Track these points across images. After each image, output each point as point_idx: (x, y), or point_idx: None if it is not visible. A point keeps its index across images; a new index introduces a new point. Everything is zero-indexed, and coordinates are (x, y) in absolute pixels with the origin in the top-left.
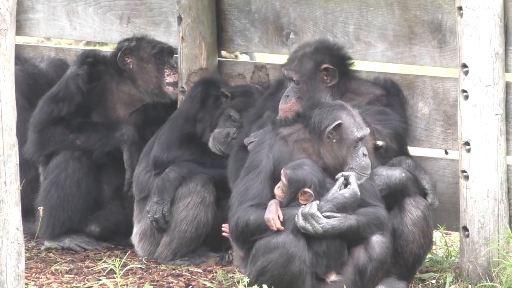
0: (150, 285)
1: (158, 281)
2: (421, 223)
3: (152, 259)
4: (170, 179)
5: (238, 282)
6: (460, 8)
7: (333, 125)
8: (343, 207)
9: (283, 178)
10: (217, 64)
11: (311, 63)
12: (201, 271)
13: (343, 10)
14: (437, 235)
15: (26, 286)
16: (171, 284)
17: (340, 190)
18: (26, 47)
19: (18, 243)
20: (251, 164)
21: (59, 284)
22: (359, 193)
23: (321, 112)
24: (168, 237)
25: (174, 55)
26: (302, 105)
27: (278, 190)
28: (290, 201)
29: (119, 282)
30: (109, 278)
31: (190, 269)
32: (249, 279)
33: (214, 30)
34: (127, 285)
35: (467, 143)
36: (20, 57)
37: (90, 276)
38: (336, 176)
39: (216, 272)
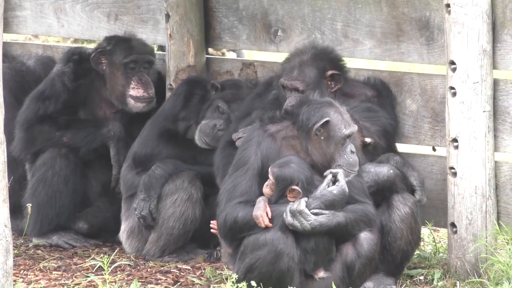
0: (139, 281)
1: (146, 277)
2: (409, 220)
3: (140, 256)
4: (156, 176)
5: (227, 279)
6: (448, 5)
7: (321, 122)
8: (331, 204)
9: (270, 176)
10: (205, 61)
11: (314, 71)
12: (189, 267)
13: (331, 7)
14: (425, 231)
15: (14, 283)
16: (159, 281)
17: (328, 187)
18: (14, 45)
19: (6, 240)
20: (239, 161)
21: (47, 281)
22: (347, 190)
23: (309, 109)
24: (156, 234)
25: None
26: None
27: (266, 188)
28: (279, 198)
29: (108, 279)
30: (97, 275)
31: (178, 265)
32: (237, 275)
33: (202, 28)
34: (115, 282)
35: (455, 140)
36: (8, 55)
37: (79, 273)
38: (324, 173)
39: (204, 269)
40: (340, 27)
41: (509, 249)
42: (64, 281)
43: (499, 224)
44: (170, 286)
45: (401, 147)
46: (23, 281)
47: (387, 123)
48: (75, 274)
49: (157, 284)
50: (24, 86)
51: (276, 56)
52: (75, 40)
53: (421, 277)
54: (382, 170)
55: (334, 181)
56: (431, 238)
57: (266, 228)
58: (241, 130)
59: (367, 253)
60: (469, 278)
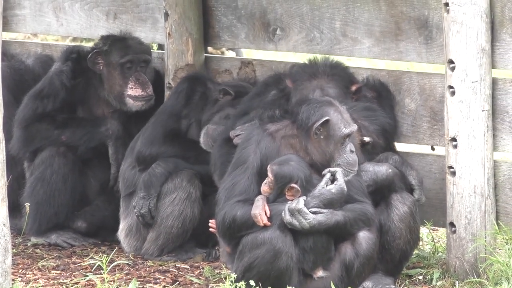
0: (137, 281)
1: (145, 277)
2: (408, 219)
3: (139, 255)
4: (156, 175)
5: (225, 278)
6: (446, 4)
7: (321, 121)
8: (330, 203)
9: (269, 173)
10: (204, 60)
11: (337, 91)
12: (188, 267)
13: (329, 6)
14: (424, 231)
15: (13, 282)
16: (158, 280)
17: (327, 186)
18: (13, 43)
19: (5, 239)
20: (238, 160)
21: (46, 280)
22: (346, 189)
23: (308, 108)
24: (155, 233)
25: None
26: None
27: (265, 186)
28: (277, 197)
29: (106, 278)
30: (96, 274)
31: (177, 265)
32: (236, 275)
33: (201, 26)
34: (114, 281)
35: (453, 139)
36: (7, 53)
37: (77, 272)
38: (323, 172)
39: (203, 268)
40: (339, 26)
41: (508, 249)
42: (63, 280)
43: (498, 224)
44: (168, 286)
45: (399, 146)
46: (21, 280)
47: (386, 122)
48: (74, 273)
49: (155, 283)
50: (23, 84)
51: (275, 55)
52: (74, 39)
53: (420, 277)
54: (381, 169)
55: (333, 180)
56: (430, 237)
57: (265, 227)
58: (238, 128)
59: (366, 252)
60: (468, 278)
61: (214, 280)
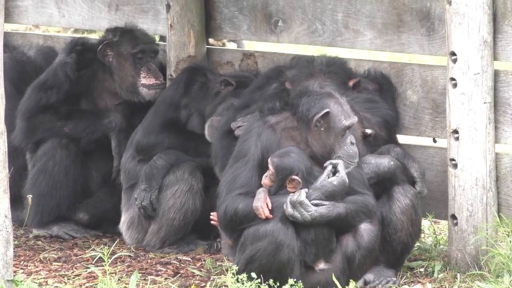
0: (139, 273)
1: (146, 269)
2: (409, 212)
3: (141, 247)
4: (157, 167)
5: (227, 270)
6: None
7: (321, 113)
8: (331, 195)
9: (270, 166)
10: (206, 51)
11: (335, 88)
12: (189, 259)
13: None
14: (425, 223)
15: (14, 274)
16: (159, 272)
17: (328, 178)
18: (15, 35)
19: (7, 231)
20: (239, 152)
21: (47, 272)
22: (347, 181)
23: (309, 100)
24: (156, 225)
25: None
26: None
27: (266, 179)
28: (278, 189)
29: (108, 270)
30: (97, 266)
31: (178, 257)
32: (237, 267)
33: (203, 18)
34: (115, 273)
35: (455, 131)
36: (9, 45)
37: (79, 264)
38: (325, 164)
39: (204, 260)
40: (341, 17)
41: (510, 242)
42: (64, 272)
43: (499, 216)
44: (170, 278)
45: (401, 139)
46: (23, 272)
47: (388, 114)
48: (75, 265)
49: (157, 275)
50: (25, 76)
51: (277, 46)
52: (76, 30)
53: (422, 269)
54: (383, 162)
55: (334, 172)
56: (432, 230)
57: (266, 219)
58: (239, 119)
59: (368, 245)
60: (469, 271)
61: (216, 272)
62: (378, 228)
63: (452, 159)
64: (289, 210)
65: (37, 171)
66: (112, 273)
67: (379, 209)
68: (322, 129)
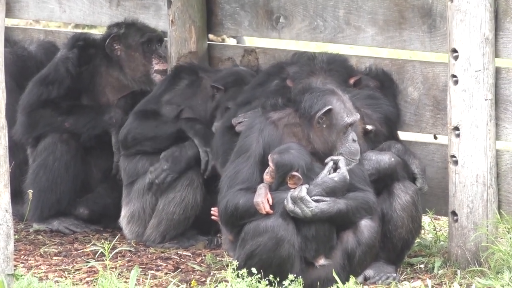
0: (139, 268)
1: (147, 264)
2: (410, 208)
3: (141, 242)
4: (187, 155)
5: (227, 266)
6: None
7: (323, 110)
8: (332, 191)
9: (270, 163)
10: (207, 47)
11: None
12: (189, 254)
13: None
14: (425, 219)
15: (15, 268)
16: (160, 267)
17: (329, 174)
18: (15, 30)
19: (7, 225)
20: (241, 148)
21: (48, 266)
22: (348, 177)
23: (311, 97)
24: (156, 219)
25: (164, 39)
26: None
27: (266, 176)
28: (279, 185)
29: (108, 264)
30: (98, 260)
31: (179, 252)
32: (238, 262)
33: (204, 14)
34: (116, 268)
35: (456, 128)
36: (10, 40)
37: (79, 259)
38: (326, 160)
39: (205, 256)
40: (342, 14)
41: (510, 238)
42: (65, 266)
43: (500, 213)
44: (170, 273)
45: (402, 135)
46: (23, 266)
47: (389, 111)
48: (76, 260)
49: (157, 270)
50: (26, 71)
51: (278, 43)
52: (76, 26)
53: (422, 266)
54: (384, 158)
55: (335, 168)
56: (432, 226)
57: (267, 215)
58: (241, 115)
59: (368, 241)
60: (469, 267)
61: (216, 267)
62: (379, 224)
63: (453, 156)
64: (289, 205)
65: (38, 166)
66: (112, 267)
67: (380, 206)
68: (324, 126)
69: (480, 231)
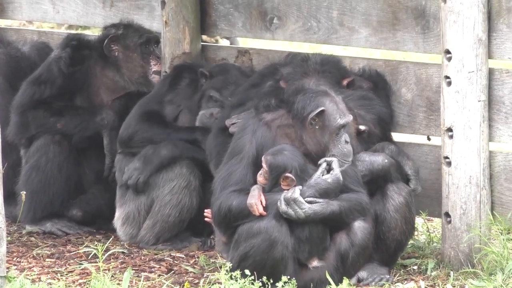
0: (132, 269)
1: (140, 265)
2: (403, 209)
3: (134, 244)
4: (160, 155)
5: (220, 267)
6: None
7: (316, 111)
8: (325, 193)
9: (263, 164)
10: (201, 48)
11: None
12: (183, 256)
13: None
14: (419, 221)
15: (7, 270)
16: (153, 269)
17: (322, 175)
18: (9, 30)
19: (0, 227)
20: (234, 149)
21: (40, 268)
22: (341, 179)
23: (304, 98)
24: (151, 221)
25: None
26: None
27: (260, 177)
28: (273, 187)
29: (101, 266)
30: (91, 262)
31: (172, 254)
32: (231, 264)
33: (198, 15)
34: (109, 270)
35: (449, 129)
36: (3, 40)
37: (72, 261)
38: (319, 162)
39: (198, 257)
40: (336, 15)
41: (503, 240)
42: (58, 268)
43: (493, 214)
44: (163, 274)
45: (395, 136)
46: (16, 268)
47: (382, 111)
48: (69, 262)
49: (150, 272)
50: (19, 72)
51: (272, 43)
52: (70, 26)
53: (415, 267)
54: (377, 159)
55: (329, 169)
56: (425, 227)
57: (260, 216)
58: (234, 116)
59: (361, 242)
60: (462, 268)
61: (209, 269)
62: (372, 225)
63: (446, 157)
64: (283, 207)
65: (30, 168)
66: (105, 269)
67: (373, 207)
68: (317, 127)
69: (473, 233)
